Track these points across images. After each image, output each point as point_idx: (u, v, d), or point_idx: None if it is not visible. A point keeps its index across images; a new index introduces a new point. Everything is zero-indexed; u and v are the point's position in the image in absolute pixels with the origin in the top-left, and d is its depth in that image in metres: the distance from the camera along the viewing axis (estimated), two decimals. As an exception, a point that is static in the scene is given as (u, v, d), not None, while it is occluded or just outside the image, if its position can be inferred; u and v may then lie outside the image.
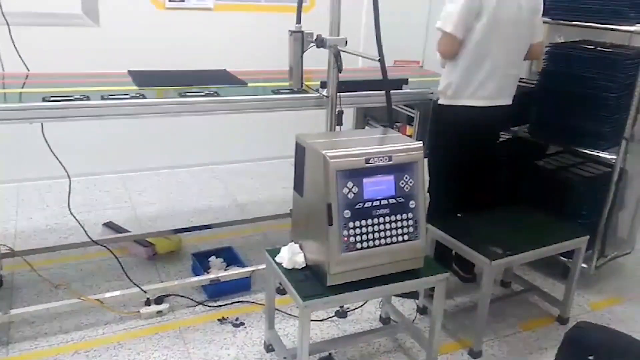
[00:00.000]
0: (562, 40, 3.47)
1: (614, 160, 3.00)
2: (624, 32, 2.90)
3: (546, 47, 3.26)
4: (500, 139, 3.55)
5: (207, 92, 2.76)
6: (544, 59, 3.25)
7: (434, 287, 2.35)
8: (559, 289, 3.15)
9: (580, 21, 3.06)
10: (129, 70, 3.12)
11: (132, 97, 2.57)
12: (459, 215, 3.07)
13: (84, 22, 4.14)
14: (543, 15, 3.15)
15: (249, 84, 3.05)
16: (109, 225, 3.63)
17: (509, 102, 2.92)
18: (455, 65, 2.80)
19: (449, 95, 2.86)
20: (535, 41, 2.92)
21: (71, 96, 2.48)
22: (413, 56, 3.22)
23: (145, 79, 2.95)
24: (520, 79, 3.59)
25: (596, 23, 2.97)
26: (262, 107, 2.84)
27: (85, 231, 3.00)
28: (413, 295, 2.98)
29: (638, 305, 3.19)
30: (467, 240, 2.66)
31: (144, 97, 2.60)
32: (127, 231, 3.55)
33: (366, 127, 3.80)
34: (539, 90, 3.30)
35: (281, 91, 2.88)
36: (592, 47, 3.13)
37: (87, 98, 2.49)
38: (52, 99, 2.43)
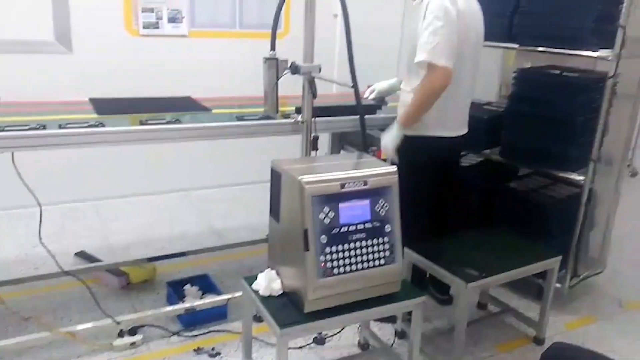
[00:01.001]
0: (530, 66, 3.56)
1: (582, 181, 3.06)
2: (588, 57, 2.98)
3: (514, 72, 3.35)
4: (472, 162, 3.62)
5: (169, 119, 2.72)
6: (513, 84, 3.33)
7: (411, 311, 2.36)
8: (535, 310, 3.17)
9: (547, 47, 3.14)
10: (90, 98, 3.08)
11: (90, 126, 2.52)
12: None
13: (56, 50, 4.11)
14: (511, 41, 3.25)
15: (216, 111, 3.02)
16: (81, 254, 3.56)
17: (466, 130, 2.92)
18: None
19: (419, 127, 2.75)
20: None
21: (27, 125, 2.42)
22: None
23: (106, 107, 2.91)
24: (490, 102, 3.69)
25: (562, 49, 3.05)
26: (234, 134, 2.81)
27: (56, 261, 2.93)
28: (391, 319, 2.98)
29: (612, 323, 3.23)
30: (443, 263, 2.67)
31: (102, 125, 2.55)
32: (99, 260, 3.48)
33: (341, 152, 3.82)
34: (508, 114, 3.37)
35: (245, 118, 2.84)
36: (559, 72, 3.21)
37: (44, 127, 2.44)
38: (6, 128, 2.36)
